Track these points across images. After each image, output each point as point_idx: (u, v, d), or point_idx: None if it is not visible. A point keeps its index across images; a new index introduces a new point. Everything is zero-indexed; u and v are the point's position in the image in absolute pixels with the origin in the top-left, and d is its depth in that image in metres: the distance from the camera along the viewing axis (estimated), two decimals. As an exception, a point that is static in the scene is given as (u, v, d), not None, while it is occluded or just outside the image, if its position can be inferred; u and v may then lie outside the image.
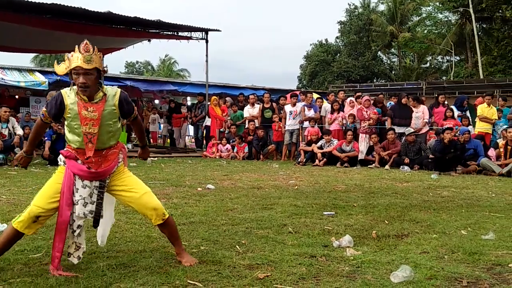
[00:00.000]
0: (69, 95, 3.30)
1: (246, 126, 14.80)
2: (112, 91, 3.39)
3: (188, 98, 23.48)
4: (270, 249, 3.89)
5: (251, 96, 15.45)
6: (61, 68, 3.34)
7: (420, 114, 12.83)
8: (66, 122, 3.35)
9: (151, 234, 4.27)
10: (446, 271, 3.37)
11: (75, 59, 3.22)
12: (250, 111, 15.02)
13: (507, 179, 9.76)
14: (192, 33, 17.44)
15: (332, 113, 13.77)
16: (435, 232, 4.64)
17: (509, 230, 4.76)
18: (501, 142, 11.39)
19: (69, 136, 3.35)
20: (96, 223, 3.41)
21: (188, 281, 3.10)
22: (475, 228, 4.82)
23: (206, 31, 17.30)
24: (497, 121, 12.81)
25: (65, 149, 3.40)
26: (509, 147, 10.85)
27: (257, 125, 14.45)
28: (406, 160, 11.68)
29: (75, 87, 3.30)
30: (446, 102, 14.00)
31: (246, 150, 14.05)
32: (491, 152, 11.36)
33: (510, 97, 18.16)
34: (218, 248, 3.91)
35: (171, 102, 18.90)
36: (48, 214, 3.27)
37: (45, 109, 3.35)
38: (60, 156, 3.41)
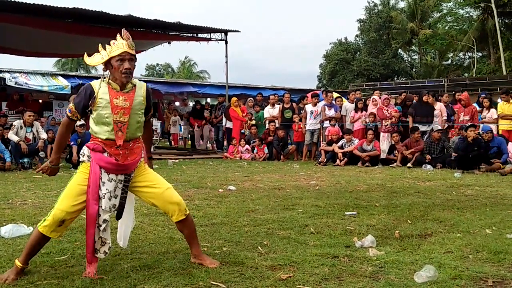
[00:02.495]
0: (99, 85, 3.34)
1: (267, 126, 14.81)
2: (140, 83, 3.46)
3: (208, 99, 23.59)
4: (292, 250, 3.89)
5: (271, 97, 15.45)
6: (96, 59, 3.39)
7: (437, 112, 12.69)
8: (93, 115, 3.36)
9: (174, 236, 4.31)
10: (471, 270, 3.34)
11: (120, 45, 3.31)
12: (270, 111, 15.03)
13: (533, 177, 9.59)
14: (212, 34, 17.53)
15: (356, 111, 13.70)
16: (459, 231, 4.59)
17: (535, 228, 4.68)
18: (524, 139, 11.20)
19: (95, 128, 3.36)
20: (119, 216, 3.42)
21: (211, 282, 3.13)
22: (500, 227, 4.76)
23: (225, 32, 17.37)
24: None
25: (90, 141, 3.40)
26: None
27: (277, 125, 14.45)
28: (428, 158, 11.57)
29: (105, 78, 3.35)
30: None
31: (266, 151, 14.06)
32: (513, 147, 11.19)
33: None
34: (240, 249, 3.93)
35: (197, 104, 18.87)
36: (73, 217, 3.30)
37: (72, 105, 3.38)
38: (83, 151, 3.40)
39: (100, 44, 3.38)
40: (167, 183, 3.51)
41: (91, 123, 3.39)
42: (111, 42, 3.33)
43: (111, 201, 3.31)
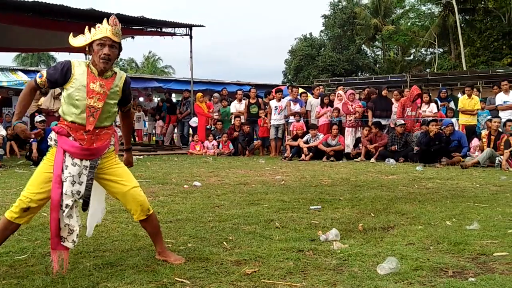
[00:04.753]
0: (79, 65, 3.26)
1: (232, 122, 14.80)
2: (120, 73, 3.39)
3: (173, 94, 23.39)
4: (257, 245, 3.90)
5: (238, 92, 15.43)
6: (79, 40, 3.32)
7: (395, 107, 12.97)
8: (64, 93, 3.26)
9: (138, 233, 4.25)
10: (431, 261, 3.41)
11: (104, 30, 3.23)
12: (237, 106, 15.01)
13: (491, 170, 9.87)
14: (176, 29, 17.36)
15: (322, 107, 13.81)
16: (421, 223, 4.69)
17: (493, 220, 4.82)
18: (484, 132, 11.51)
19: (65, 107, 3.27)
20: (85, 205, 3.31)
21: (176, 278, 3.10)
22: (460, 219, 4.88)
23: (190, 27, 17.23)
24: (480, 112, 12.93)
25: (57, 124, 3.32)
26: (492, 137, 10.96)
27: (243, 121, 14.44)
28: (394, 148, 11.79)
29: (87, 61, 3.29)
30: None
31: (231, 146, 14.05)
32: (475, 142, 11.49)
33: (487, 88, 18.39)
34: (205, 245, 3.91)
35: (167, 101, 18.62)
36: (39, 204, 3.21)
37: (45, 72, 3.29)
38: (51, 134, 3.32)
39: (87, 27, 3.30)
40: (134, 182, 3.43)
41: (62, 101, 3.31)
42: (97, 25, 3.26)
43: (75, 187, 3.20)
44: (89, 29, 3.29)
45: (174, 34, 17.47)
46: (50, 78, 3.26)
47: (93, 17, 14.93)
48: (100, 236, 4.16)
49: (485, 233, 4.21)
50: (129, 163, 3.75)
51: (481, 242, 3.93)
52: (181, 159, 12.65)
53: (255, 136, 14.74)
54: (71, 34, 3.42)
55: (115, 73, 3.35)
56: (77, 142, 3.23)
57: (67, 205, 3.19)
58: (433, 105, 13.13)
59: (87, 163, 3.26)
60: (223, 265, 3.37)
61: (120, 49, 3.35)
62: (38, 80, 3.30)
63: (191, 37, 17.26)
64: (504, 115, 11.86)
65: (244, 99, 15.06)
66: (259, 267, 3.32)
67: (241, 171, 9.61)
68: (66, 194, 3.19)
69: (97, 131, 3.29)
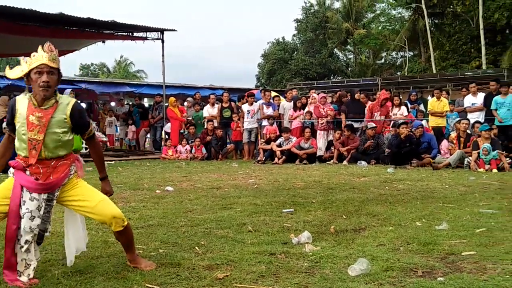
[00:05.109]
0: (22, 100, 3.21)
1: (205, 126, 14.75)
2: (66, 100, 3.27)
3: (145, 99, 23.22)
4: (229, 249, 3.88)
5: (211, 96, 15.38)
6: (15, 72, 3.26)
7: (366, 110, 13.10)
8: (16, 129, 3.23)
9: (108, 239, 4.20)
10: (402, 262, 3.45)
11: (39, 57, 3.15)
12: (209, 111, 14.96)
13: (460, 171, 10.06)
14: (148, 33, 17.22)
15: (295, 110, 13.87)
16: (391, 224, 4.74)
17: (462, 220, 4.90)
18: (453, 134, 11.73)
19: (17, 143, 3.24)
20: (40, 239, 3.22)
21: (147, 285, 3.07)
22: (430, 219, 4.95)
23: (161, 31, 17.11)
24: (449, 114, 13.16)
25: (15, 159, 3.27)
26: (461, 139, 11.17)
27: (216, 125, 14.41)
28: (370, 143, 11.91)
29: (30, 93, 3.22)
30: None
31: (204, 151, 14.01)
32: (444, 144, 11.68)
33: (456, 90, 18.78)
34: (177, 250, 3.88)
35: (139, 106, 18.47)
36: None
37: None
38: (10, 168, 3.28)
39: (22, 58, 3.25)
40: (100, 195, 3.36)
41: (16, 137, 3.27)
42: (32, 54, 3.18)
43: (34, 221, 3.13)
44: (26, 60, 3.21)
45: (145, 38, 17.32)
46: (7, 122, 3.28)
47: (63, 22, 14.78)
48: (70, 243, 4.08)
49: (454, 233, 4.28)
50: (107, 192, 3.55)
51: (450, 242, 4.00)
52: (153, 164, 12.55)
53: (228, 140, 14.72)
54: (8, 66, 3.39)
55: (57, 101, 3.23)
56: (33, 177, 3.18)
57: (26, 241, 3.14)
58: (403, 107, 13.31)
59: (45, 196, 3.20)
60: (195, 270, 3.35)
61: (59, 75, 3.25)
62: (5, 128, 3.33)
63: (163, 41, 17.15)
64: (472, 117, 12.11)
65: (217, 103, 15.02)
66: (231, 271, 3.31)
67: (214, 175, 9.58)
68: (25, 231, 3.12)
69: (52, 163, 3.23)
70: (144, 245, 4.04)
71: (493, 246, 3.86)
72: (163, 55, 17.20)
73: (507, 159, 10.24)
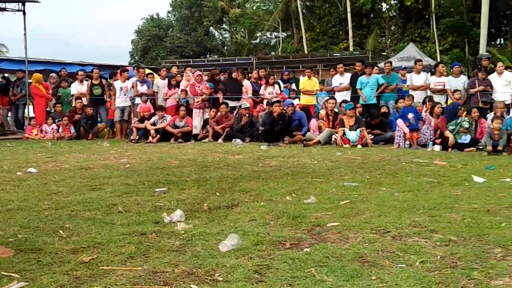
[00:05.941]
0: None
1: (74, 104, 13.98)
2: None
3: (6, 75, 21.39)
4: (97, 231, 3.70)
5: (80, 73, 14.58)
6: None
7: (244, 88, 13.25)
8: None
9: (-41, 227, 3.81)
10: (271, 235, 3.52)
11: None
12: (78, 88, 14.20)
13: (328, 147, 10.58)
14: (7, 4, 15.80)
15: (169, 88, 13.60)
16: (263, 200, 4.83)
17: (328, 193, 5.14)
18: (323, 112, 12.29)
19: None
20: None
21: (3, 273, 2.82)
22: (299, 194, 5.12)
23: (23, 2, 15.80)
24: (319, 93, 13.76)
25: None
26: (330, 117, 11.74)
27: (85, 103, 13.73)
28: (245, 120, 12.07)
29: None
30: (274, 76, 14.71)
31: (73, 130, 13.31)
32: (313, 122, 12.20)
33: (325, 70, 19.73)
34: (38, 235, 3.61)
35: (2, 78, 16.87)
36: None
37: None
38: None
39: None
40: None
41: None
42: None
43: None
44: None
45: (4, 9, 15.89)
46: None
47: None
48: None
49: (321, 206, 4.47)
50: None
51: (316, 214, 4.16)
52: (15, 144, 11.65)
53: (99, 119, 14.11)
54: None
55: None
56: None
57: None
58: (276, 86, 13.67)
59: None
60: (58, 255, 3.14)
61: None
62: None
63: (24, 13, 15.82)
64: (339, 96, 12.76)
65: (86, 80, 14.29)
66: (98, 254, 3.15)
67: (83, 155, 9.12)
68: None
69: None
70: (1, 231, 3.71)
71: (355, 216, 4.08)
72: (24, 28, 15.89)
73: (370, 135, 10.96)
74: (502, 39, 35.82)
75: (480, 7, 21.37)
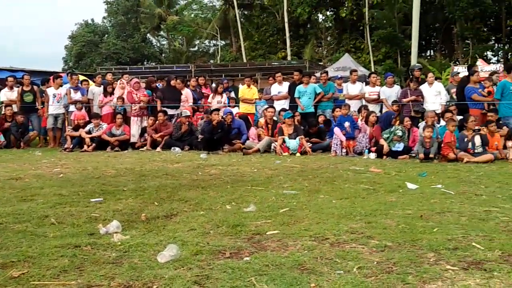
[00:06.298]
0: None
1: (3, 111, 13.37)
2: None
3: None
4: (28, 244, 3.54)
5: (9, 79, 13.95)
6: None
7: (184, 97, 13.13)
8: None
9: None
10: (211, 245, 3.49)
11: None
12: (7, 94, 13.59)
13: (268, 155, 10.65)
14: None
15: (105, 95, 13.26)
16: (203, 209, 4.79)
17: (268, 201, 5.16)
18: (262, 120, 12.37)
19: None
20: None
21: None
22: (239, 202, 5.11)
23: None
24: (258, 102, 13.84)
25: None
26: (269, 126, 11.83)
27: (15, 110, 13.17)
28: (185, 129, 11.92)
29: None
30: (213, 85, 14.68)
31: (2, 138, 12.72)
32: (252, 130, 12.25)
33: (264, 79, 19.94)
34: (-37, 250, 3.41)
35: None
36: None
37: None
38: None
39: None
40: None
41: None
42: None
43: None
44: None
45: None
46: None
47: None
48: None
49: (260, 214, 4.48)
50: None
51: (256, 222, 4.16)
52: None
53: (30, 127, 13.57)
54: None
55: None
56: None
57: None
58: (224, 95, 13.60)
59: None
60: (-16, 271, 2.97)
61: None
62: None
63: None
64: (278, 105, 12.89)
65: (16, 87, 13.71)
66: (29, 268, 3.01)
67: (14, 165, 8.73)
68: None
69: None
70: None
71: (294, 224, 4.12)
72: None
73: (308, 143, 11.12)
74: (431, 51, 37.58)
75: (411, 20, 22.24)
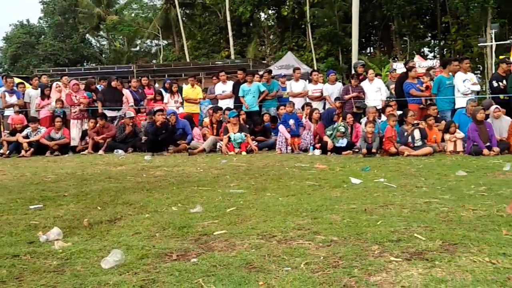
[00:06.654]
0: None
1: None
2: None
3: None
4: (-39, 257, 3.35)
5: None
6: None
7: (125, 98, 12.88)
8: None
9: None
10: (157, 248, 3.42)
11: None
12: None
13: (214, 155, 10.60)
14: None
15: (42, 98, 12.80)
16: (148, 212, 4.69)
17: (214, 201, 5.11)
18: (206, 120, 12.30)
19: None
20: None
21: None
22: (185, 203, 5.04)
23: None
24: (202, 101, 13.75)
25: None
26: (214, 125, 11.78)
27: None
28: (129, 130, 11.67)
29: None
30: (156, 85, 14.45)
31: None
32: (197, 130, 12.17)
33: (208, 78, 19.87)
34: None
35: None
36: None
37: None
38: None
39: None
40: None
41: None
42: None
43: None
44: None
45: None
46: None
47: None
48: None
49: (207, 215, 4.44)
50: None
51: (203, 223, 4.12)
52: None
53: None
54: None
55: None
56: None
57: None
58: (179, 95, 13.43)
59: None
60: None
61: None
62: None
63: None
64: (223, 104, 12.85)
65: None
66: (-37, 283, 2.85)
67: None
68: None
69: None
70: None
71: (241, 223, 4.10)
72: None
73: (254, 142, 11.15)
74: (371, 48, 38.56)
75: (351, 18, 22.73)
